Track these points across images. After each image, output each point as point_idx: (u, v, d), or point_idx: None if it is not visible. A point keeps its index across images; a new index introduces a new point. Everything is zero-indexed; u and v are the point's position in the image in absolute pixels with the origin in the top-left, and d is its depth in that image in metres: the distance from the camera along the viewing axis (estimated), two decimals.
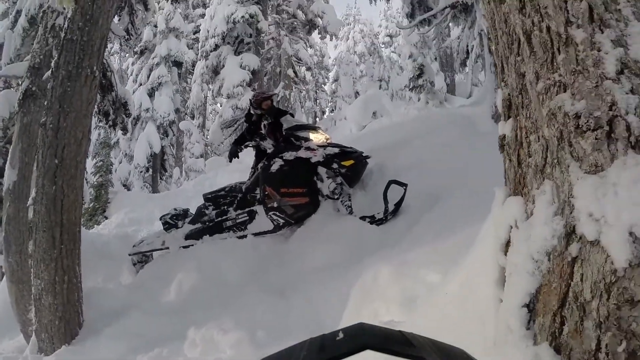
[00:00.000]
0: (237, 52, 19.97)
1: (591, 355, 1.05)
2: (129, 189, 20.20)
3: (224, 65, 19.40)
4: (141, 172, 21.37)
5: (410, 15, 12.49)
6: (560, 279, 1.14)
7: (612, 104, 1.07)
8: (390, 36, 39.83)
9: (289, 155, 5.89)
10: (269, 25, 20.49)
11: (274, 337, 3.89)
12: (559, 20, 1.23)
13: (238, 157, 6.77)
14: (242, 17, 18.99)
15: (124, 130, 8.91)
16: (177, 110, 22.73)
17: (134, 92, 21.42)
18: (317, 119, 34.04)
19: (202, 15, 23.97)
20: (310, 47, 26.97)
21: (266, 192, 5.92)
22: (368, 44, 39.66)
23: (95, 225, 11.46)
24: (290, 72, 20.48)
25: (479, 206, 2.13)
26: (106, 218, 12.06)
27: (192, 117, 25.62)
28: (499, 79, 1.55)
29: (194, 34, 25.28)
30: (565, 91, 1.18)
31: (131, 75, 24.43)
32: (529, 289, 1.23)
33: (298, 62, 22.09)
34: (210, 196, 6.66)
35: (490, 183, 1.65)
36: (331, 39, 23.93)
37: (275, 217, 5.94)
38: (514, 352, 1.24)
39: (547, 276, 1.19)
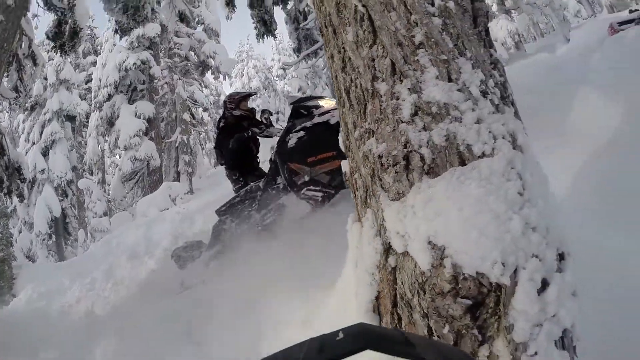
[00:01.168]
0: (131, 101, 19.70)
1: None
2: (33, 261, 18.92)
3: (118, 116, 19.05)
4: (44, 239, 20.08)
5: (298, 50, 13.07)
6: (389, 286, 1.42)
7: (406, 142, 1.37)
8: (284, 68, 40.46)
9: (305, 124, 5.07)
10: (161, 70, 20.40)
11: None
12: (367, 77, 1.54)
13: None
14: (134, 64, 18.85)
15: (20, 197, 8.50)
16: (74, 168, 21.78)
17: (26, 153, 20.41)
18: None
19: (94, 63, 23.36)
20: (206, 88, 27.06)
21: (292, 169, 5.01)
22: (262, 78, 40.35)
23: (3, 306, 10.66)
24: (186, 116, 20.45)
25: None
26: (14, 296, 11.21)
27: (91, 173, 24.50)
28: (342, 125, 1.83)
29: (85, 83, 24.56)
30: (372, 136, 1.47)
31: (22, 133, 23.16)
32: (370, 297, 1.51)
33: (194, 104, 22.04)
34: (224, 209, 5.83)
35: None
36: (224, 79, 24.20)
37: (311, 193, 5.00)
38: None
39: (381, 284, 1.47)
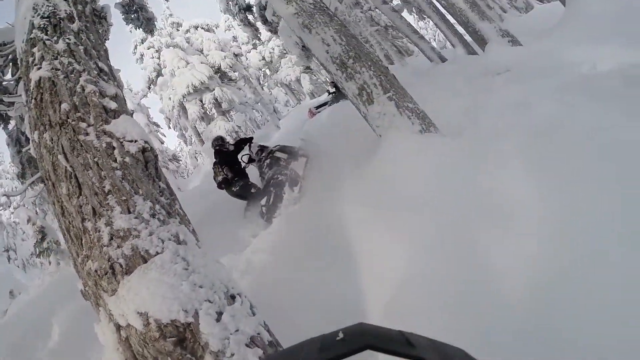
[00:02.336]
0: None
1: None
2: None
3: None
4: None
5: (22, 176, 12.22)
6: (129, 350, 2.16)
7: (109, 258, 2.19)
8: (7, 195, 35.83)
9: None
10: None
11: None
12: (78, 220, 2.32)
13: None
14: None
15: None
16: None
17: None
18: None
19: None
20: None
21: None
22: None
23: None
24: None
25: None
26: None
27: None
28: (70, 253, 2.54)
29: None
30: (89, 260, 2.24)
31: None
32: None
33: None
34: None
35: None
36: None
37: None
38: None
39: (124, 353, 2.18)
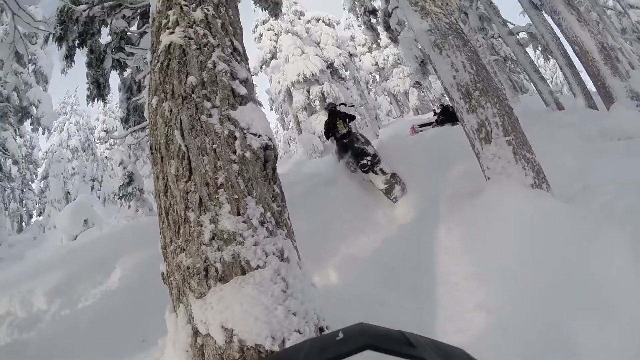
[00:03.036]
0: None
1: None
2: None
3: None
4: None
5: (125, 120, 12.80)
6: (199, 358, 1.99)
7: (206, 258, 2.01)
8: (107, 131, 37.32)
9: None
10: None
11: None
12: (182, 206, 2.16)
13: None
14: None
15: None
16: None
17: None
18: (24, 224, 30.15)
19: None
20: (20, 137, 24.62)
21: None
22: (83, 138, 36.89)
23: None
24: None
25: None
26: None
27: None
28: (161, 234, 2.39)
29: None
30: (183, 252, 2.07)
31: None
32: None
33: (4, 154, 19.90)
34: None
35: None
36: (44, 133, 22.39)
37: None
38: None
39: (194, 358, 2.01)
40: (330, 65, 29.06)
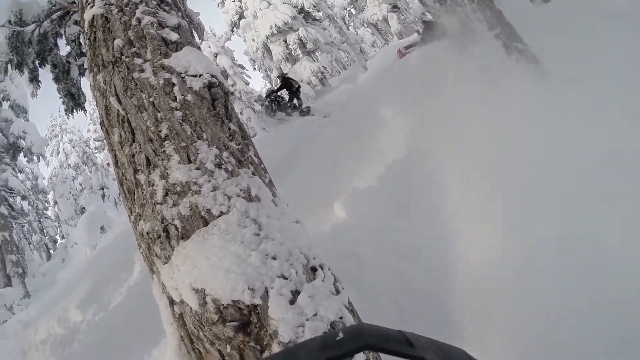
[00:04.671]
0: None
1: None
2: None
3: None
4: None
5: None
6: (182, 328, 1.78)
7: (163, 218, 1.77)
8: (100, 140, 37.76)
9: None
10: None
11: None
12: (130, 171, 1.92)
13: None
14: None
15: None
16: None
17: None
18: (51, 251, 30.72)
19: None
20: (20, 172, 24.67)
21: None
22: (80, 153, 37.08)
23: None
24: (3, 209, 18.58)
25: None
26: None
27: None
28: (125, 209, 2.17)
29: None
30: (141, 219, 1.84)
31: None
32: (177, 341, 1.83)
33: (10, 193, 20.07)
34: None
35: None
36: (39, 161, 22.41)
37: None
38: None
39: (179, 330, 1.81)
40: (301, 10, 27.91)
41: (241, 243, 1.70)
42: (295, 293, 1.68)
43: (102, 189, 33.00)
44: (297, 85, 14.45)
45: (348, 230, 4.01)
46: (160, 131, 1.94)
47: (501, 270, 2.75)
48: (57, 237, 33.56)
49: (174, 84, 2.10)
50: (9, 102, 20.23)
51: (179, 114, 2.00)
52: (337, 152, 6.27)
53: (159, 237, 1.77)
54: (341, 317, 1.70)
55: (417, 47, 16.56)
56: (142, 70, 2.18)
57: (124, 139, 2.02)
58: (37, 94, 11.41)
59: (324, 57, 27.80)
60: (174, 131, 1.93)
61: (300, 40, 26.84)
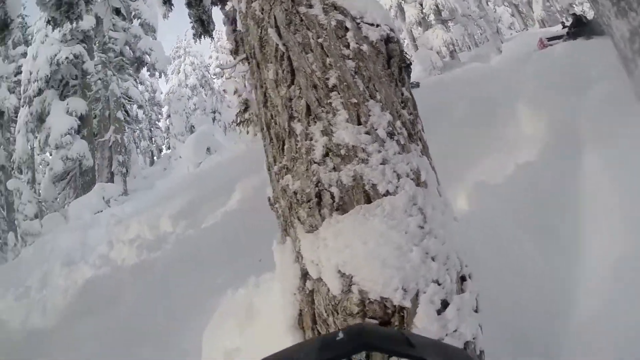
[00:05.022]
0: (62, 97, 18.78)
1: None
2: None
3: (49, 112, 18.07)
4: None
5: (235, 52, 12.75)
6: (308, 306, 1.57)
7: (318, 181, 1.53)
8: (221, 67, 39.55)
9: None
10: (95, 65, 19.64)
11: None
12: (285, 116, 1.68)
13: None
14: (67, 57, 18.01)
15: None
16: (2, 167, 20.23)
17: None
18: (155, 158, 33.00)
19: (24, 54, 21.69)
20: (141, 84, 26.33)
21: None
22: (199, 76, 39.27)
23: None
24: (120, 114, 19.84)
25: None
26: None
27: (20, 172, 22.47)
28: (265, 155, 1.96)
29: (15, 75, 22.56)
30: (289, 173, 1.61)
31: None
32: (294, 313, 1.64)
33: (129, 101, 21.42)
34: None
35: None
36: (160, 77, 23.68)
37: None
38: None
39: (302, 304, 1.61)
40: None
41: (405, 233, 1.45)
42: (445, 304, 1.44)
43: (214, 112, 34.53)
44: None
45: (468, 224, 3.64)
46: (327, 79, 1.67)
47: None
48: (163, 147, 36.31)
49: (347, 29, 1.80)
50: (139, 20, 21.43)
51: (351, 64, 1.71)
52: (464, 135, 5.77)
53: (309, 200, 1.53)
54: (474, 338, 1.48)
55: (561, 40, 15.23)
56: (310, 6, 1.88)
57: (281, 78, 1.77)
58: (168, 16, 11.85)
59: (457, 29, 26.42)
60: (345, 83, 1.66)
61: (437, 6, 25.67)
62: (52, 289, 7.70)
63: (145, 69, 21.92)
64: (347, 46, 1.75)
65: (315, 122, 1.62)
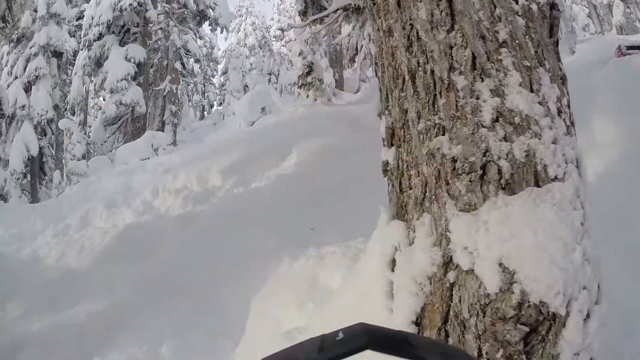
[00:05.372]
0: (122, 43, 18.94)
1: None
2: (5, 200, 17.53)
3: (107, 57, 18.25)
4: (18, 178, 18.67)
5: (303, 13, 12.55)
6: (442, 301, 1.32)
7: (486, 150, 1.26)
8: (282, 30, 39.00)
9: None
10: (157, 14, 19.68)
11: None
12: (443, 65, 1.38)
13: None
14: (130, 4, 18.07)
15: None
16: (56, 107, 20.45)
17: (8, 87, 19.27)
18: (205, 113, 33.39)
19: (88, 0, 22.18)
20: (200, 39, 26.39)
21: None
22: (259, 37, 39.68)
23: None
24: (177, 65, 19.93)
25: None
26: None
27: (73, 114, 22.77)
28: (382, 106, 1.68)
29: (77, 19, 22.90)
30: (444, 134, 1.34)
31: (5, 66, 21.49)
32: (415, 307, 1.39)
33: (187, 54, 21.54)
34: None
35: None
36: (222, 32, 23.68)
37: None
38: None
39: (430, 297, 1.35)
40: None
41: (571, 228, 1.21)
42: (588, 315, 1.26)
43: (270, 74, 34.59)
44: None
45: None
46: (497, 32, 1.37)
47: None
48: (215, 103, 36.49)
49: None
50: None
51: (521, 21, 1.41)
52: None
53: (472, 171, 1.27)
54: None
55: None
56: None
57: (438, 21, 1.43)
58: None
59: None
60: (516, 41, 1.37)
61: None
62: (92, 229, 7.73)
63: (207, 23, 21.82)
64: (516, 1, 1.45)
65: (483, 78, 1.33)
